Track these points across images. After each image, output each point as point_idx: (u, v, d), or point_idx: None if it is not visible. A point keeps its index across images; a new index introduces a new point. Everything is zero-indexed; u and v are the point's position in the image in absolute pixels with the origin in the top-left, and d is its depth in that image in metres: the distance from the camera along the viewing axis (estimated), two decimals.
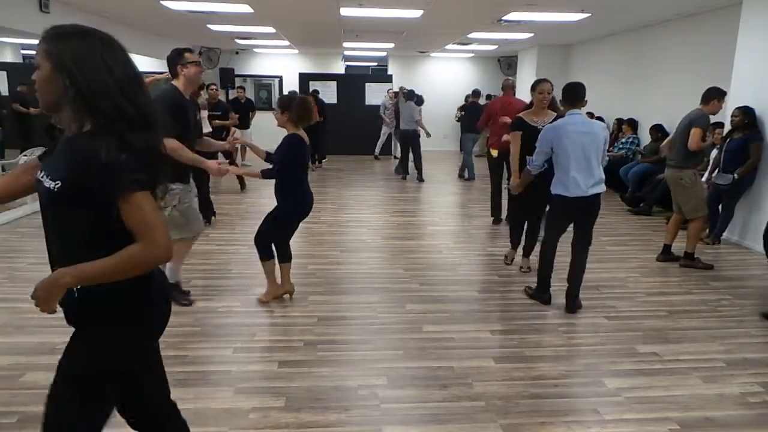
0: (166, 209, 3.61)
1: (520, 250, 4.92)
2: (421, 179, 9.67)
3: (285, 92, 12.64)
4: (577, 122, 3.75)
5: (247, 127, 9.90)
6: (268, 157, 3.90)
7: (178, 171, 3.58)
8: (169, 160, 3.14)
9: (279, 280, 4.02)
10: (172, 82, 3.61)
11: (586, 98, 3.85)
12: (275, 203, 3.87)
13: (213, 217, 6.46)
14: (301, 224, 4.01)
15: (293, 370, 3.03)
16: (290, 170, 3.76)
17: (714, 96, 4.84)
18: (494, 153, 6.55)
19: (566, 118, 3.82)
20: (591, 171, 3.74)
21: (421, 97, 10.57)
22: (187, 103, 3.61)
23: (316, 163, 11.24)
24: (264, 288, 4.04)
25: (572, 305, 3.94)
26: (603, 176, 3.81)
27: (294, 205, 3.86)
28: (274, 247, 3.94)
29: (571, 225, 3.95)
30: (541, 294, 4.08)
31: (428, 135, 10.16)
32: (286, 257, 4.01)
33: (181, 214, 3.63)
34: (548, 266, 4.04)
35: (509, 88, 6.70)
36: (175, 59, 3.59)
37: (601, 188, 3.81)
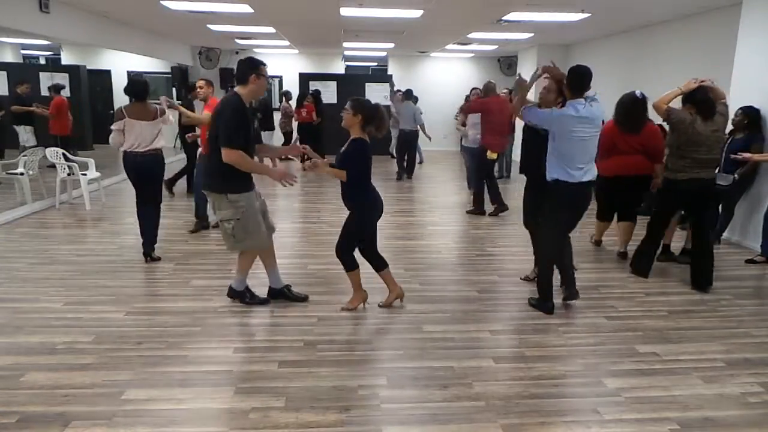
0: (228, 222, 3.57)
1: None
2: (409, 177, 10.11)
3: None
4: (581, 114, 3.58)
5: (273, 128, 9.70)
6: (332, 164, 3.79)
7: (241, 181, 3.56)
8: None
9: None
10: (236, 89, 3.53)
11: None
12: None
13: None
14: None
15: (293, 370, 3.03)
16: (364, 175, 3.67)
17: None
18: (493, 156, 6.73)
19: (570, 108, 3.61)
20: (591, 158, 3.74)
21: (416, 97, 10.71)
22: (249, 112, 3.58)
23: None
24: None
25: (573, 292, 3.93)
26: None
27: (369, 208, 3.73)
28: (362, 256, 3.85)
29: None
30: (545, 303, 3.90)
31: (429, 139, 10.28)
32: (382, 264, 3.87)
33: (242, 227, 3.58)
34: (550, 272, 3.92)
35: (492, 91, 7.08)
36: (250, 68, 3.50)
37: (593, 174, 3.76)
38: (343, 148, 3.69)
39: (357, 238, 3.78)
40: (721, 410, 2.73)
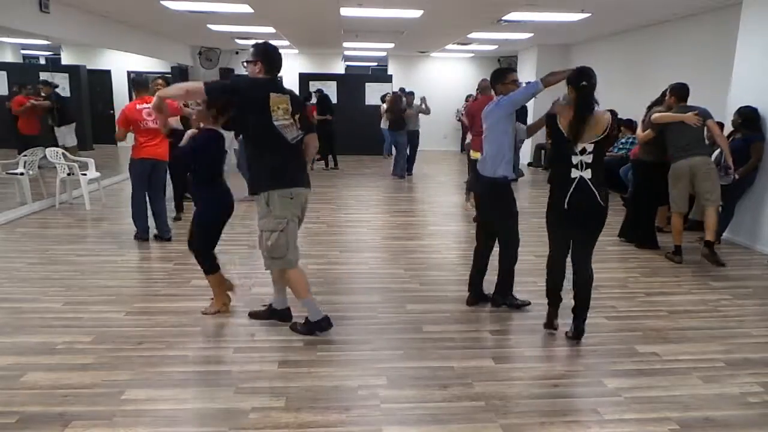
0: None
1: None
2: (410, 174, 10.34)
3: None
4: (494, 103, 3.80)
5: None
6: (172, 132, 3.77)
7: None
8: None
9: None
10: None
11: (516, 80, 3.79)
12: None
13: (181, 213, 6.46)
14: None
15: (293, 370, 3.03)
16: (204, 165, 3.51)
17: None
18: (477, 156, 6.69)
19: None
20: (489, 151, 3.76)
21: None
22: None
23: (331, 165, 11.22)
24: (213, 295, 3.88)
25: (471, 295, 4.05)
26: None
27: (210, 205, 3.59)
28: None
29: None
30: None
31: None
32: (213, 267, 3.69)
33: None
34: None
35: (487, 89, 6.67)
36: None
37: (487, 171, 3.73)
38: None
39: (209, 235, 3.63)
40: (721, 410, 2.72)
